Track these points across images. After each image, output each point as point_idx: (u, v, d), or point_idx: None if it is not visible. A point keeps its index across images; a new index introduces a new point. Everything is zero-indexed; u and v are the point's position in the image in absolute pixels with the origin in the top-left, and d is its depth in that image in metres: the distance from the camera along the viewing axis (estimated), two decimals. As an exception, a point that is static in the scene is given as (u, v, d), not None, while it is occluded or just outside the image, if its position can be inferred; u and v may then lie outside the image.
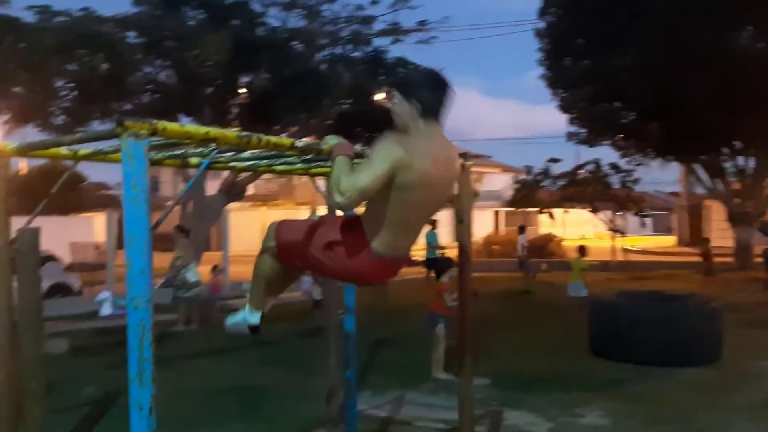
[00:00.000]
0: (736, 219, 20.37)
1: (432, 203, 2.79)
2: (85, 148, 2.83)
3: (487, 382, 7.09)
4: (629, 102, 19.01)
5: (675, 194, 47.65)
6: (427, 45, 17.47)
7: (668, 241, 41.38)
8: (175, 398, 6.68)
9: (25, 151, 2.90)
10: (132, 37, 13.41)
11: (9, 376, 2.87)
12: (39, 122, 13.52)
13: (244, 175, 16.26)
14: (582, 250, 12.19)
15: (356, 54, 15.83)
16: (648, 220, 25.22)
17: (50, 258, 15.25)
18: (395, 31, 16.72)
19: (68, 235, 22.76)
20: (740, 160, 20.58)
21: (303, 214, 28.59)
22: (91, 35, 10.90)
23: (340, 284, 4.11)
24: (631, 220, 24.55)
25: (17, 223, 3.82)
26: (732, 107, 16.37)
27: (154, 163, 3.03)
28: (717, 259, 19.17)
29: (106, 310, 9.94)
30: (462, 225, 3.67)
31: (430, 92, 2.70)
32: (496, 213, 48.05)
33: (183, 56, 13.22)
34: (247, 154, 3.09)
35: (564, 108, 20.86)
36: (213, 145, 2.34)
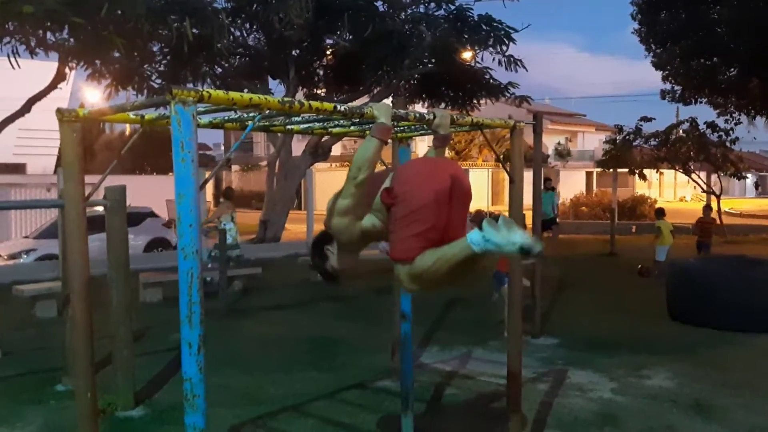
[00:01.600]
0: None
1: None
2: (150, 113, 3.09)
3: (556, 342, 7.15)
4: (728, 57, 17.93)
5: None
6: (514, 1, 17.04)
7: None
8: (251, 345, 7.16)
9: (96, 115, 3.19)
10: (221, 2, 13.88)
11: (87, 324, 3.18)
12: (136, 86, 14.27)
13: (327, 137, 16.64)
14: (660, 212, 11.83)
15: (440, 12, 15.65)
16: (749, 182, 23.96)
17: (151, 214, 16.27)
18: (478, -12, 16.40)
19: (167, 194, 24.13)
20: None
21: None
22: (181, 1, 11.36)
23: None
24: (733, 182, 23.40)
25: (111, 180, 4.15)
26: None
27: (216, 126, 3.27)
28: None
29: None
30: (513, 185, 3.74)
31: None
32: (588, 174, 46.73)
33: (269, 19, 13.54)
34: (300, 117, 3.28)
35: (658, 65, 19.91)
36: (257, 112, 2.53)
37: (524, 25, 19.15)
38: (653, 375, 5.93)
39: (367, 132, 2.84)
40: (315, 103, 2.62)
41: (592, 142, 55.98)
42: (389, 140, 2.96)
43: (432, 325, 7.89)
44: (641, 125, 20.76)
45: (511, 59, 16.58)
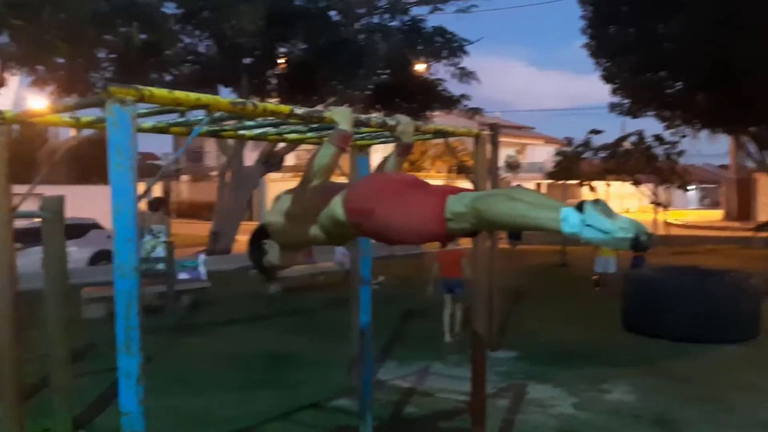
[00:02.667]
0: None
1: None
2: (88, 116, 2.83)
3: (515, 355, 7.04)
4: (675, 71, 18.34)
5: (725, 167, 46.22)
6: (467, 14, 17.14)
7: (715, 215, 40.26)
8: (202, 363, 6.83)
9: (24, 117, 2.91)
10: (170, 8, 13.49)
11: (12, 344, 2.88)
12: (81, 93, 13.76)
13: (281, 145, 16.34)
14: None
15: (394, 23, 15.60)
16: (693, 194, 24.59)
17: (95, 225, 15.63)
18: (432, 0, 16.42)
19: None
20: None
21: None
22: (127, 5, 10.97)
23: (365, 255, 4.07)
24: (678, 193, 23.95)
25: (55, 191, 3.86)
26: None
27: (160, 130, 3.02)
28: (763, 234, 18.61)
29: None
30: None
31: None
32: (538, 185, 47.35)
33: (220, 27, 13.23)
34: (253, 122, 3.06)
35: (607, 78, 20.26)
36: (204, 114, 2.31)
37: (477, 38, 19.25)
38: (614, 388, 5.85)
39: (325, 139, 2.65)
40: (270, 106, 2.41)
41: (542, 154, 56.91)
42: (348, 148, 2.76)
43: (389, 339, 7.69)
44: (590, 138, 21.08)
45: (464, 71, 16.62)
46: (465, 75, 16.59)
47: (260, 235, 2.84)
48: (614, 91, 20.19)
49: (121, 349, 1.98)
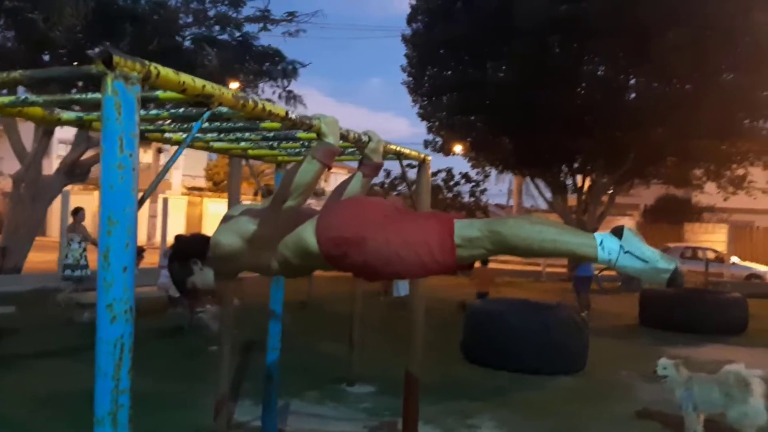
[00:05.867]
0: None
1: None
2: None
3: (373, 390, 6.82)
4: (485, 116, 19.66)
5: (500, 206, 50.50)
6: (294, 38, 16.98)
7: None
8: (22, 405, 5.75)
9: None
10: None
11: None
12: None
13: (88, 154, 14.80)
14: None
15: (224, 37, 14.94)
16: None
17: None
18: (262, 19, 16.04)
19: None
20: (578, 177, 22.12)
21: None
22: None
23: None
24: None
25: None
26: (580, 129, 17.49)
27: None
28: (550, 270, 20.65)
29: None
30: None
31: None
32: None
33: (28, 17, 11.68)
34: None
35: (423, 116, 21.22)
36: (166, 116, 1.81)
37: (307, 62, 19.20)
38: (481, 423, 5.85)
39: (306, 153, 2.27)
40: (268, 105, 1.97)
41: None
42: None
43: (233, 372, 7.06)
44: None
45: (291, 94, 16.42)
46: (291, 98, 16.38)
47: (189, 252, 2.41)
48: (429, 129, 21.18)
49: None
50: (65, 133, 19.74)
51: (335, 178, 49.04)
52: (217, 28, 14.79)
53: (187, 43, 13.83)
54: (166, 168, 1.81)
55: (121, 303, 1.41)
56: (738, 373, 5.07)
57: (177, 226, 24.83)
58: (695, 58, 15.47)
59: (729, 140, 18.26)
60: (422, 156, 3.27)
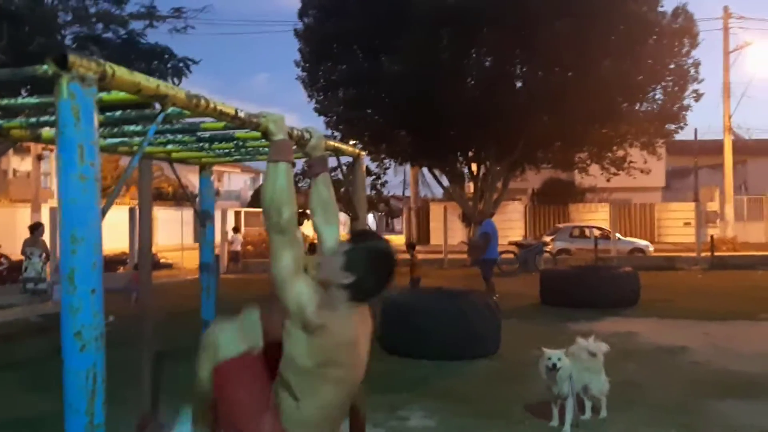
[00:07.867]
0: (469, 219, 22.43)
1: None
2: None
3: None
4: (381, 110, 19.81)
5: (397, 197, 51.38)
6: (182, 34, 16.38)
7: (399, 239, 44.37)
8: None
9: None
10: None
11: None
12: None
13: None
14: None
15: (108, 35, 14.18)
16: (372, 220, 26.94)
17: None
18: (147, 16, 15.37)
19: None
20: (473, 166, 22.75)
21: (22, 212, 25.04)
22: None
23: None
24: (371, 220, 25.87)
25: None
26: (473, 119, 17.97)
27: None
28: (451, 256, 21.26)
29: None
30: (357, 221, 3.28)
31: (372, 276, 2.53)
32: (237, 213, 47.19)
33: None
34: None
35: (320, 111, 21.10)
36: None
37: (198, 59, 18.57)
38: (410, 415, 5.87)
39: (267, 160, 2.18)
40: (219, 104, 1.86)
41: (238, 182, 57.10)
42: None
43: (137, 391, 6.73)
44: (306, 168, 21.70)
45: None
46: (183, 97, 15.80)
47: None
48: (327, 124, 21.09)
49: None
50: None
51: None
52: (100, 26, 14.02)
53: (68, 43, 13.03)
54: (125, 176, 1.65)
55: (91, 329, 1.28)
56: (587, 347, 5.55)
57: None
58: (577, 46, 16.26)
59: (609, 124, 19.37)
60: (357, 151, 3.22)
